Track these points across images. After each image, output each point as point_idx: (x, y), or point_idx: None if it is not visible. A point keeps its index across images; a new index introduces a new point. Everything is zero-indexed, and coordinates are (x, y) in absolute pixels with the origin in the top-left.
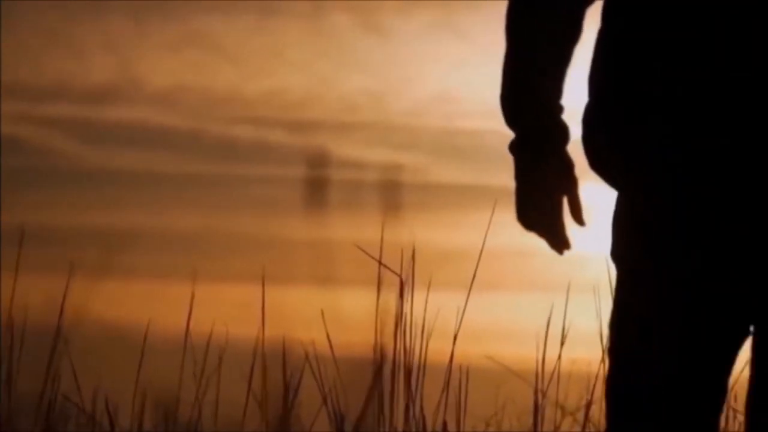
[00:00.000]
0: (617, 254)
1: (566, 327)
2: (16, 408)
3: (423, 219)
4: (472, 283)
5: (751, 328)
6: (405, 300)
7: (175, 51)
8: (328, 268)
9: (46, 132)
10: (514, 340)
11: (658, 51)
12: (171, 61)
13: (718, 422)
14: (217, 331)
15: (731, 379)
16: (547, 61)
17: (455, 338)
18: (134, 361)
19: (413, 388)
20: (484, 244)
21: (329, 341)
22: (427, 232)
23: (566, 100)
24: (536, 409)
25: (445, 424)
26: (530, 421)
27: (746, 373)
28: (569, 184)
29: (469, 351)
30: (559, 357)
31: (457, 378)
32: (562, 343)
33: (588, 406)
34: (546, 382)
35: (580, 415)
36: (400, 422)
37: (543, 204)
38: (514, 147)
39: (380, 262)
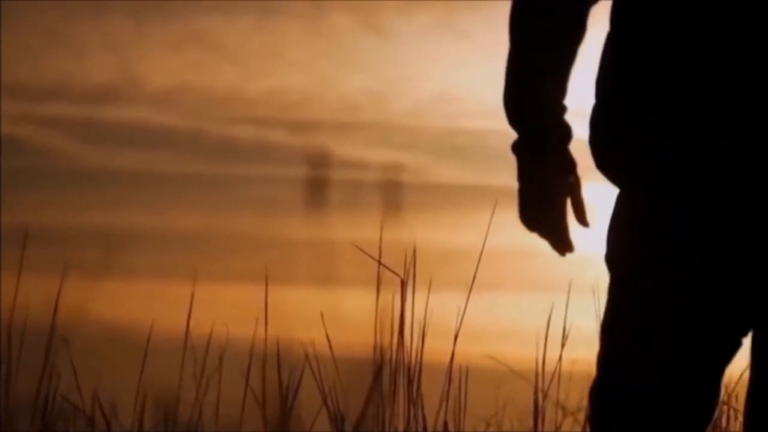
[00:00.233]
0: (615, 256)
1: (567, 327)
2: (15, 408)
3: (423, 219)
4: (472, 283)
5: (749, 330)
6: (405, 300)
7: (176, 51)
8: (328, 268)
9: (46, 132)
10: (514, 340)
11: (658, 51)
12: (171, 61)
13: (711, 423)
14: (217, 331)
15: (732, 380)
16: (550, 62)
17: (456, 338)
18: (134, 361)
19: (414, 388)
20: (484, 244)
21: (329, 342)
22: (428, 232)
23: (572, 100)
24: (536, 409)
25: (445, 424)
26: (531, 421)
27: (747, 373)
28: (572, 185)
29: (470, 351)
30: (560, 357)
31: (457, 378)
32: (563, 344)
33: None
34: (547, 382)
35: (581, 416)
36: (400, 422)
37: (545, 205)
38: (516, 147)
39: (380, 263)
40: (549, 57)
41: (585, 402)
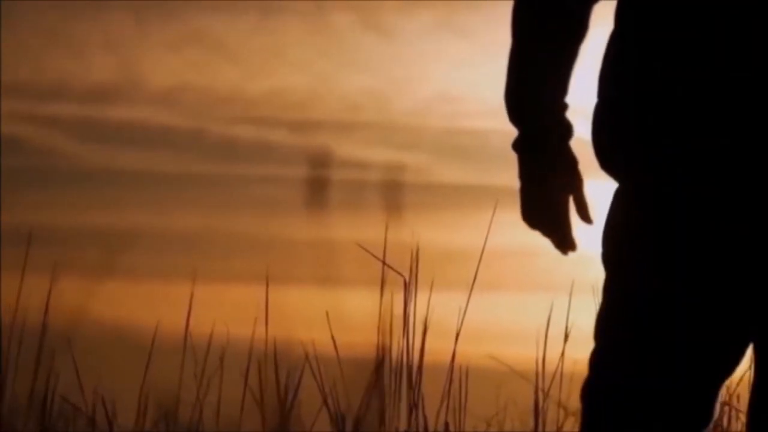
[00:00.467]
0: (612, 256)
1: (568, 326)
2: (15, 408)
3: (425, 219)
4: (473, 282)
5: (746, 335)
6: (410, 300)
7: (176, 50)
8: (329, 268)
9: (47, 132)
10: (515, 340)
11: (658, 51)
12: (172, 61)
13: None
14: (217, 331)
15: (733, 380)
16: (551, 60)
17: (457, 338)
18: (134, 361)
19: (415, 388)
20: (485, 244)
21: (333, 341)
22: (429, 232)
23: (574, 98)
24: (536, 408)
25: (446, 424)
26: (532, 421)
27: (748, 374)
28: (574, 183)
29: (470, 351)
30: (562, 357)
31: (458, 378)
32: (565, 343)
33: None
34: (548, 382)
35: None
36: (400, 422)
37: (547, 203)
38: (517, 145)
39: (384, 262)
40: (550, 55)
41: None
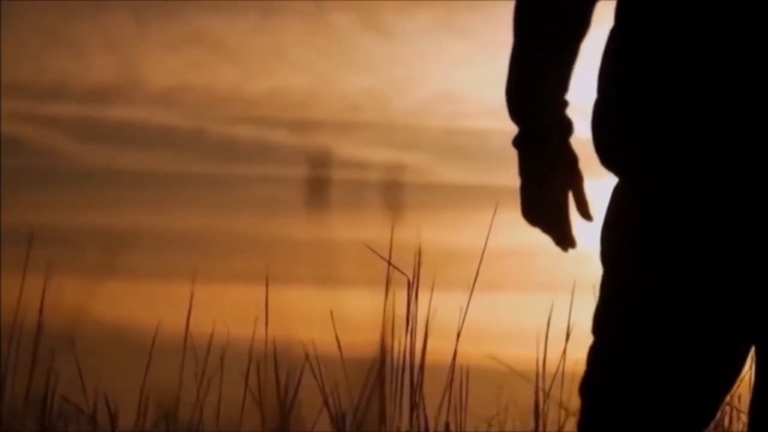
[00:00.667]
0: (610, 254)
1: (570, 326)
2: (15, 408)
3: (425, 219)
4: (474, 283)
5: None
6: (413, 300)
7: (176, 50)
8: (329, 268)
9: (47, 132)
10: (516, 340)
11: (658, 51)
12: (172, 61)
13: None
14: (217, 331)
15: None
16: (552, 60)
17: (458, 338)
18: (134, 361)
19: (416, 388)
20: (486, 244)
21: (338, 340)
22: (429, 232)
23: (574, 96)
24: (537, 408)
25: (447, 425)
26: (532, 421)
27: (749, 374)
28: (573, 179)
29: (471, 351)
30: (563, 357)
31: (458, 378)
32: (566, 343)
33: None
34: (548, 383)
35: None
36: (400, 422)
37: (546, 200)
38: (517, 142)
39: (389, 263)
40: (551, 55)
41: None
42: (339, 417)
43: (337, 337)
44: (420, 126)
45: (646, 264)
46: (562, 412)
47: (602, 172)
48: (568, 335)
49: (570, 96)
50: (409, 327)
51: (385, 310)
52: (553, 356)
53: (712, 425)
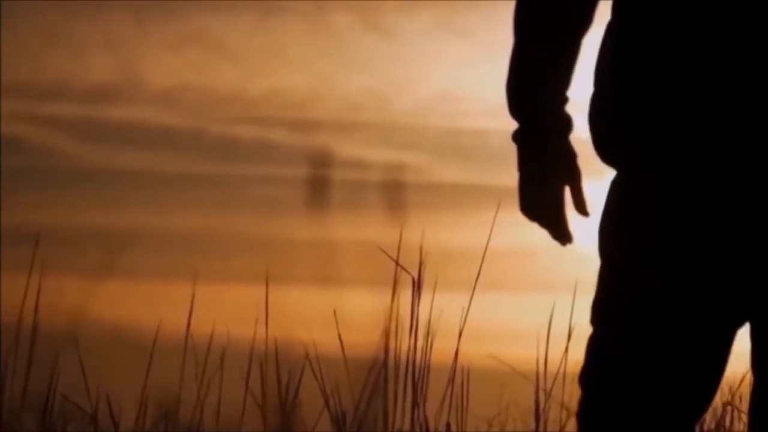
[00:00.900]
0: (609, 250)
1: (571, 326)
2: (15, 408)
3: (426, 219)
4: (476, 283)
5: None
6: (418, 300)
7: (176, 50)
8: (330, 268)
9: (47, 132)
10: (517, 340)
11: (658, 51)
12: (172, 61)
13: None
14: (218, 331)
15: (735, 380)
16: (552, 59)
17: (459, 338)
18: (133, 361)
19: (419, 388)
20: (488, 243)
21: (340, 340)
22: (430, 232)
23: (574, 94)
24: (538, 409)
25: (448, 425)
26: (533, 421)
27: (750, 374)
28: (571, 175)
29: (472, 351)
30: (564, 357)
31: (459, 378)
32: (567, 343)
33: None
34: (550, 383)
35: None
36: (401, 422)
37: (544, 195)
38: (517, 137)
39: (397, 263)
40: (551, 55)
41: None
42: (340, 417)
43: (339, 337)
44: (420, 126)
45: (646, 264)
46: (563, 413)
47: (601, 171)
48: (569, 335)
49: (570, 93)
50: (414, 326)
51: (392, 310)
52: (555, 356)
53: (708, 420)
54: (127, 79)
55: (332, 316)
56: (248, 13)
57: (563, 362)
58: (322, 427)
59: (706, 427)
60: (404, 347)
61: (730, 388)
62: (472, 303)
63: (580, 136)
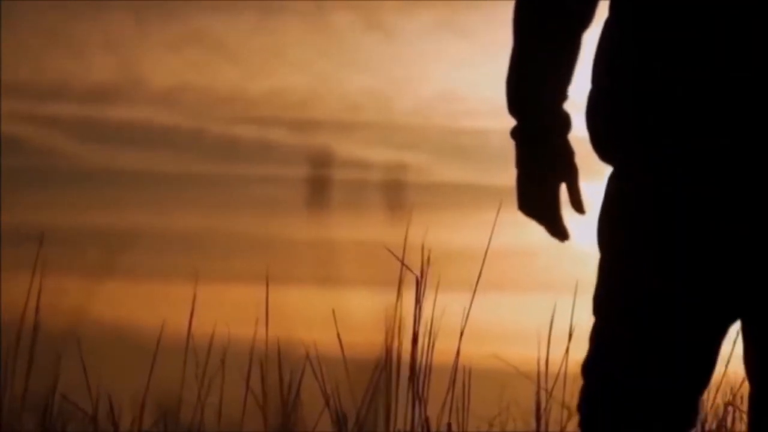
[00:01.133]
0: (609, 246)
1: (572, 326)
2: (15, 408)
3: (426, 219)
4: (477, 283)
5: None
6: (421, 300)
7: (176, 50)
8: (330, 268)
9: (47, 132)
10: (518, 340)
11: (658, 50)
12: (172, 61)
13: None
14: (219, 331)
15: (737, 380)
16: (552, 59)
17: (461, 337)
18: (135, 362)
19: (421, 388)
20: (489, 243)
21: (339, 340)
22: (431, 232)
23: (573, 93)
24: (538, 408)
25: (449, 425)
26: (534, 421)
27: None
28: (568, 173)
29: (473, 351)
30: (565, 357)
31: (461, 378)
32: (568, 343)
33: None
34: (551, 383)
35: None
36: (402, 422)
37: (541, 191)
38: (516, 134)
39: (402, 263)
40: (550, 55)
41: None
42: (341, 417)
43: (339, 336)
44: (421, 126)
45: (646, 263)
46: (564, 412)
47: (600, 171)
48: (570, 335)
49: (570, 91)
50: (417, 326)
51: (396, 310)
52: (556, 356)
53: (710, 420)
54: (127, 79)
55: (332, 316)
56: (248, 13)
57: (564, 362)
58: (322, 428)
59: (707, 427)
60: (405, 347)
61: (732, 388)
62: (474, 303)
63: (577, 134)
